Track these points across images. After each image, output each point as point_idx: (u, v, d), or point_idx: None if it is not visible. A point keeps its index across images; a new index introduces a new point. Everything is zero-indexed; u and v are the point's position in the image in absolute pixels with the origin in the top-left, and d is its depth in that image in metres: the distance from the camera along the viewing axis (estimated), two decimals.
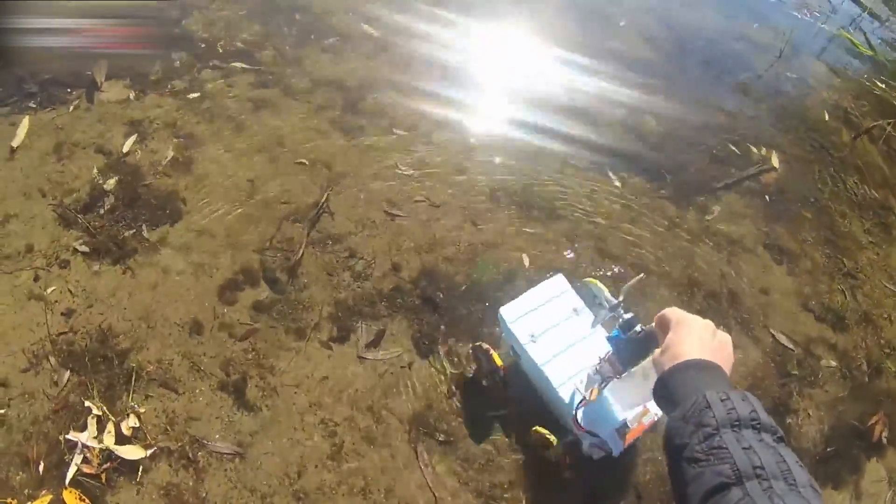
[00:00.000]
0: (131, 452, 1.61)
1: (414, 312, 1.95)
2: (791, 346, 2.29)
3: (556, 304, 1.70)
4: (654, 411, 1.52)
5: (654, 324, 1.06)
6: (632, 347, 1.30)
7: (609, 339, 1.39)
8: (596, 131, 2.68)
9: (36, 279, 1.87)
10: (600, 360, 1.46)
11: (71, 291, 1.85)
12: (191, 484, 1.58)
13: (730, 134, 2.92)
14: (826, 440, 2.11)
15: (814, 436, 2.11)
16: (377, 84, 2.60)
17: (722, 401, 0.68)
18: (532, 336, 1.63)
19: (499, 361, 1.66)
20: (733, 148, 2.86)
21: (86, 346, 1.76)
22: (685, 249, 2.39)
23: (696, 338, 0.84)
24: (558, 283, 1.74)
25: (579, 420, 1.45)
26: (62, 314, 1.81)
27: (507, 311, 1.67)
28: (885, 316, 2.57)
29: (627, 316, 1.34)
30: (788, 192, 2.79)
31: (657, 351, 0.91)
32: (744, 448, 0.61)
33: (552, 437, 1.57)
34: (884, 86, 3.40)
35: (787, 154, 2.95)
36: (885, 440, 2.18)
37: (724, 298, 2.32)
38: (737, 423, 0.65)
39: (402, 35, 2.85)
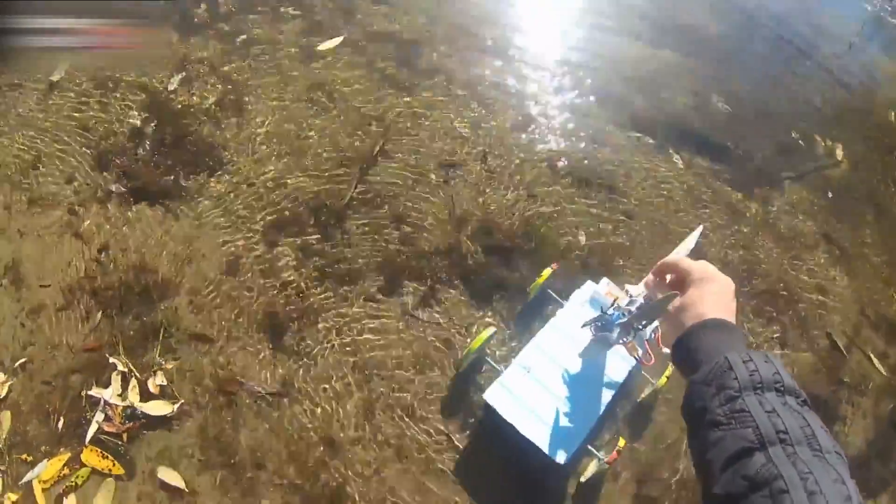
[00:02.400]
0: (158, 408, 1.35)
1: (461, 279, 1.65)
2: (844, 351, 1.97)
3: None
4: None
5: (656, 271, 0.87)
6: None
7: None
8: (661, 109, 2.30)
9: (68, 223, 1.58)
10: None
11: (103, 236, 1.58)
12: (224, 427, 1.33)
13: (795, 122, 2.52)
14: (869, 447, 1.82)
15: (859, 444, 1.83)
16: (433, 40, 2.22)
17: (744, 362, 0.59)
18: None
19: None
20: (798, 138, 2.46)
21: (111, 295, 1.49)
22: (746, 239, 2.06)
23: (719, 296, 0.72)
24: (499, 398, 1.37)
25: (650, 355, 1.23)
26: (94, 259, 1.53)
27: (558, 458, 1.29)
28: None
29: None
30: (851, 191, 2.41)
31: (676, 302, 0.75)
32: (767, 412, 0.54)
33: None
34: None
35: (852, 150, 2.55)
36: None
37: (781, 295, 2.00)
38: (759, 385, 0.57)
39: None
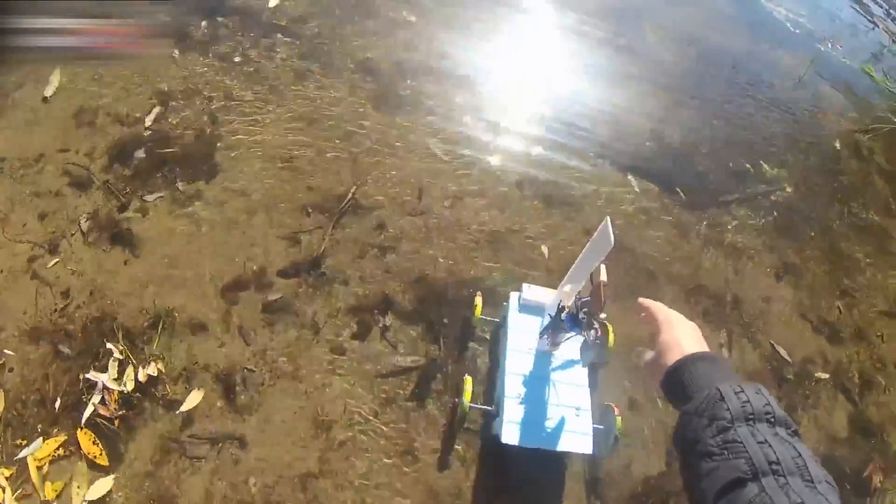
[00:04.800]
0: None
1: (420, 308, 1.84)
2: (787, 356, 2.21)
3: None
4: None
5: (638, 308, 0.98)
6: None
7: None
8: (620, 138, 2.60)
9: (53, 250, 1.74)
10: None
11: (74, 270, 1.73)
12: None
13: (746, 152, 2.84)
14: (814, 447, 2.02)
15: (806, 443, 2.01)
16: (415, 69, 2.52)
17: (736, 394, 0.62)
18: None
19: None
20: (748, 165, 2.76)
21: (96, 314, 1.65)
22: (695, 255, 2.33)
23: (692, 334, 0.80)
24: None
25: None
26: (60, 294, 1.67)
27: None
28: (878, 334, 2.50)
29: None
30: (796, 212, 2.71)
31: (653, 351, 0.82)
32: (759, 442, 0.57)
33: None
34: None
35: (798, 175, 2.87)
36: (880, 484, 2.07)
37: (727, 303, 2.26)
38: (751, 416, 0.60)
39: (441, 24, 2.74)
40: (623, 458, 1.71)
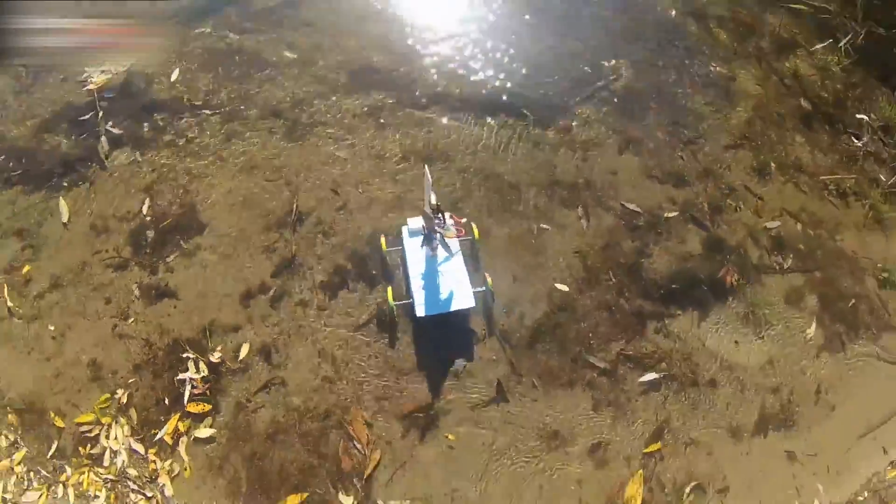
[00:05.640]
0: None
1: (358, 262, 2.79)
2: (637, 208, 3.00)
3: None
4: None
5: None
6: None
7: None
8: (475, 89, 3.35)
9: (125, 318, 2.72)
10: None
11: (144, 321, 2.71)
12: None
13: (582, 56, 3.51)
14: (672, 276, 2.82)
15: (662, 270, 2.85)
16: (308, 98, 3.32)
17: None
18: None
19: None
20: (586, 67, 3.45)
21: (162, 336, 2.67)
22: (547, 158, 3.13)
23: None
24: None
25: (459, 230, 2.56)
26: (142, 339, 2.71)
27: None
28: (725, 166, 3.23)
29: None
30: (635, 91, 3.41)
31: None
32: None
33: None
34: None
35: (636, 58, 3.53)
36: (735, 284, 2.79)
37: (579, 186, 3.06)
38: None
39: (316, 52, 3.50)
40: (516, 315, 2.68)
